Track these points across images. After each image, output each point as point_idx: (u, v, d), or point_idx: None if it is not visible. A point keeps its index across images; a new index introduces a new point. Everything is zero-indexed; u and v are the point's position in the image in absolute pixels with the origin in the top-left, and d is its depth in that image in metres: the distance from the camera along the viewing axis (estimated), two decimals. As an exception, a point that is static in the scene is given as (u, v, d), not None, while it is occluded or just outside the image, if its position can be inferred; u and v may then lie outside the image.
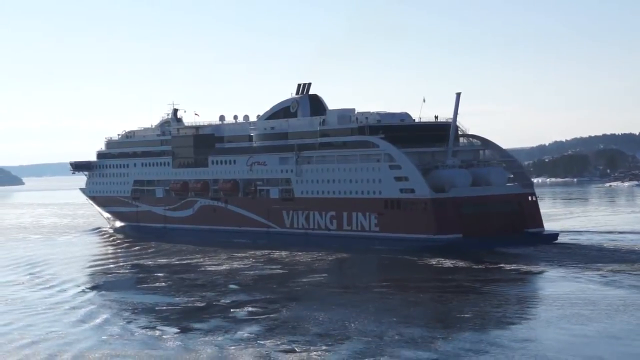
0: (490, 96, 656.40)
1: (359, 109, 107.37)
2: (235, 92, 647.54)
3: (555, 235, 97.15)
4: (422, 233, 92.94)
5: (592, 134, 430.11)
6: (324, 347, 48.56)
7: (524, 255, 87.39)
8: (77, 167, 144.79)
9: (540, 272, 76.70)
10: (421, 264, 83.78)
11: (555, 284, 69.66)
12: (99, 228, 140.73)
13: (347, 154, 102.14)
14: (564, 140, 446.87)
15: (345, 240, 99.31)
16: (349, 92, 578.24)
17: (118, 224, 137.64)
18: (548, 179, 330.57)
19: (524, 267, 79.00)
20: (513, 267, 79.48)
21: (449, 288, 69.60)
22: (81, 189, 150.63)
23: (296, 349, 48.38)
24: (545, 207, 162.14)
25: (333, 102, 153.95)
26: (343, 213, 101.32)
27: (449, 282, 73.07)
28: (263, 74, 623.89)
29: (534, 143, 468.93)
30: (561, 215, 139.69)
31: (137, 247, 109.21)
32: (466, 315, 57.25)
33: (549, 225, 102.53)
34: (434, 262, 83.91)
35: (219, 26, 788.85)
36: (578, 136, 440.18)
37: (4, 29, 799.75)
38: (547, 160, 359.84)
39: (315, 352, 47.60)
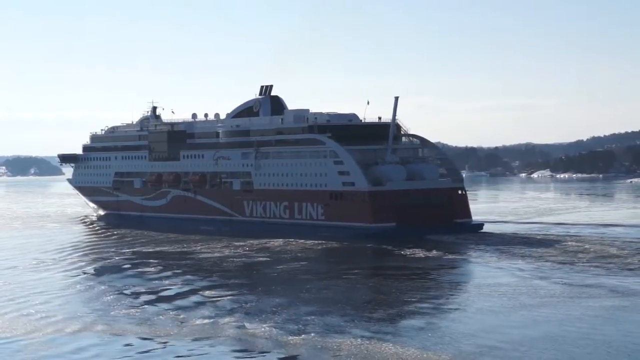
0: (532, 91, 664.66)
1: (327, 107, 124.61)
2: (217, 89, 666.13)
3: (480, 225, 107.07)
4: (361, 222, 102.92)
5: (629, 130, 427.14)
6: (269, 324, 54.50)
7: (449, 242, 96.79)
8: (64, 159, 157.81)
9: (463, 258, 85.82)
10: (397, 253, 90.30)
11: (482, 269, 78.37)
12: (86, 216, 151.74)
13: (298, 150, 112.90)
14: (602, 135, 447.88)
15: (296, 227, 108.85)
16: (317, 91, 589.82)
17: (101, 212, 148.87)
18: (574, 175, 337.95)
19: (450, 256, 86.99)
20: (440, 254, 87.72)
21: (415, 276, 75.63)
22: (68, 180, 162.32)
23: (246, 325, 54.71)
24: (554, 202, 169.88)
25: (296, 101, 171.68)
26: (295, 203, 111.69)
27: (415, 270, 78.95)
28: (239, 73, 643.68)
29: (572, 138, 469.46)
30: (563, 210, 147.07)
31: (125, 235, 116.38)
32: (411, 300, 63.45)
33: (548, 219, 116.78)
34: (408, 252, 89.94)
35: (207, 27, 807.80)
36: (616, 132, 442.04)
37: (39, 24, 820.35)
38: (576, 155, 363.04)
39: (259, 328, 53.63)
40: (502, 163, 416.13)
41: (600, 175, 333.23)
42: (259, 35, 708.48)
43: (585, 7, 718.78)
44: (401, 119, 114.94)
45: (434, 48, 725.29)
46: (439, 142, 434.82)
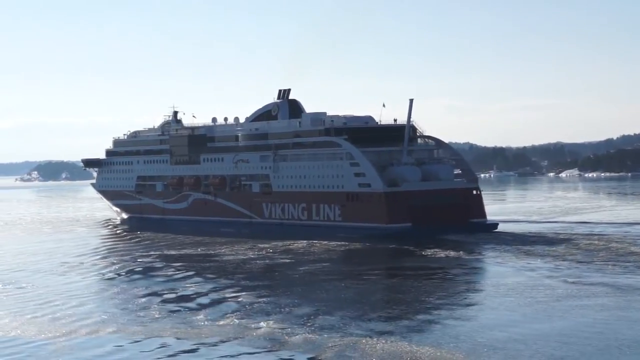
0: (561, 90, 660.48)
1: (344, 110, 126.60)
2: (239, 93, 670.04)
3: (495, 225, 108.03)
4: (377, 222, 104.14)
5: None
6: (292, 325, 55.58)
7: (469, 242, 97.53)
8: (88, 163, 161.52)
9: (478, 258, 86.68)
10: (417, 254, 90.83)
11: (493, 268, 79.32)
12: (109, 219, 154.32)
13: (315, 152, 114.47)
14: (632, 134, 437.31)
15: (314, 229, 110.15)
16: (334, 94, 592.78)
17: (124, 215, 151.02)
18: (602, 174, 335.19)
19: (469, 256, 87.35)
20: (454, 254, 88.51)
21: (433, 276, 76.43)
22: (92, 184, 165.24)
23: (270, 325, 55.81)
24: (581, 202, 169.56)
25: (313, 104, 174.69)
26: (312, 205, 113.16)
27: (436, 270, 79.78)
28: (258, 77, 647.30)
29: (602, 137, 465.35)
30: (589, 209, 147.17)
31: (149, 238, 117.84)
32: (429, 299, 64.30)
33: (573, 218, 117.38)
34: (429, 253, 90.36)
35: (227, 30, 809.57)
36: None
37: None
38: (605, 154, 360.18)
39: (277, 327, 54.68)
40: (531, 163, 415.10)
41: (629, 174, 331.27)
42: (275, 39, 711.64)
43: (615, 3, 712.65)
44: (425, 121, 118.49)
45: (457, 50, 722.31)
46: (468, 143, 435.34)
